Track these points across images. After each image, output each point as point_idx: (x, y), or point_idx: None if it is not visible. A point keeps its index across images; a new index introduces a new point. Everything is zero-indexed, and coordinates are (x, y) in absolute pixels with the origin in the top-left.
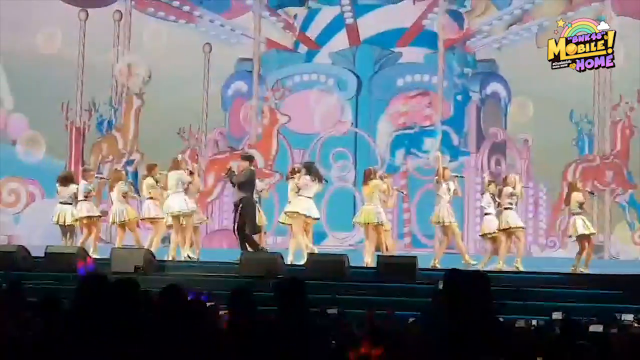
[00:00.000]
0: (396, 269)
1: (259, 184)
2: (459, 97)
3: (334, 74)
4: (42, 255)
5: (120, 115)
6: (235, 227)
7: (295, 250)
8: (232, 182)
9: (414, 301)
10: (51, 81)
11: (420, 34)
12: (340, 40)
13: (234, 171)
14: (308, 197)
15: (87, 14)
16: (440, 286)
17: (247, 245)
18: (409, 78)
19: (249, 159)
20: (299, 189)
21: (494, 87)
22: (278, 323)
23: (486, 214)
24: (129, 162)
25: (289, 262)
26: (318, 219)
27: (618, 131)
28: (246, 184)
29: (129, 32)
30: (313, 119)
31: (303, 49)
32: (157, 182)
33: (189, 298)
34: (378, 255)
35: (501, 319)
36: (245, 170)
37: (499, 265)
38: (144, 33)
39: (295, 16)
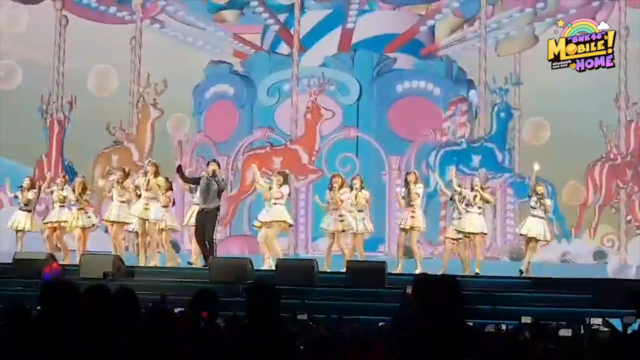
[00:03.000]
0: (365, 274)
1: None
2: (502, 114)
3: (333, 78)
4: (10, 261)
5: (131, 126)
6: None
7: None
8: (220, 190)
9: (383, 306)
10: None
11: (410, 40)
12: (327, 44)
13: (213, 176)
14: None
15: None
16: (408, 290)
17: (206, 250)
18: (407, 84)
19: (217, 163)
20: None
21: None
22: (247, 327)
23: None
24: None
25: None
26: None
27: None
28: (220, 194)
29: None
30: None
31: (287, 50)
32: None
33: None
34: (347, 261)
35: (470, 324)
36: (220, 182)
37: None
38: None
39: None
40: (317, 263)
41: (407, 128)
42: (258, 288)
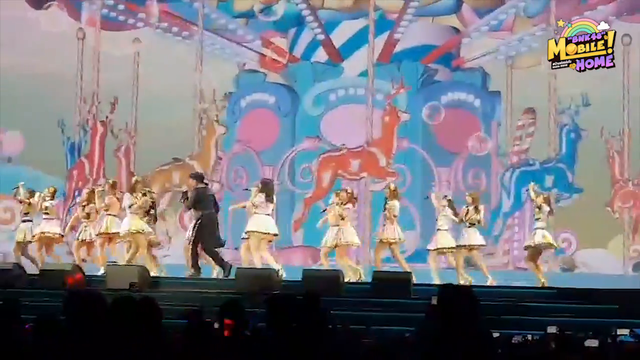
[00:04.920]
0: (391, 285)
1: None
2: (573, 135)
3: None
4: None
5: (193, 142)
6: (193, 243)
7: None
8: (187, 207)
9: (409, 316)
10: (47, 98)
11: (445, 54)
12: (365, 54)
13: (186, 192)
14: (266, 215)
15: (85, 34)
16: (434, 302)
17: (211, 259)
18: (450, 95)
19: (195, 177)
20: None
21: None
22: (270, 338)
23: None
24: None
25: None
26: (276, 235)
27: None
28: (197, 204)
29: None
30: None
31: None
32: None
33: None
34: (374, 271)
35: (496, 334)
36: (192, 191)
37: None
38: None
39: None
40: (342, 273)
41: (452, 139)
42: (277, 299)
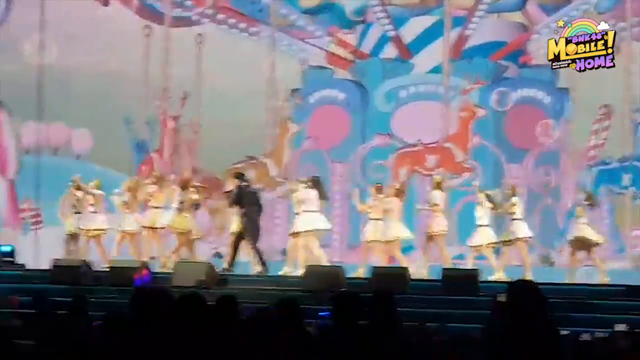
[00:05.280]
0: (459, 282)
1: None
2: None
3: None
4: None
5: (267, 141)
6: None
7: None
8: (229, 205)
9: (477, 313)
10: (114, 96)
11: (514, 50)
12: (435, 51)
13: (230, 191)
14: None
15: (151, 30)
16: (500, 298)
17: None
18: (520, 92)
19: (236, 177)
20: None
21: None
22: (337, 336)
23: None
24: None
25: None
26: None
27: None
28: (240, 201)
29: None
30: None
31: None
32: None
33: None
34: (443, 268)
35: (565, 332)
36: (232, 191)
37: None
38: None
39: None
40: (409, 271)
41: (522, 136)
42: (342, 297)
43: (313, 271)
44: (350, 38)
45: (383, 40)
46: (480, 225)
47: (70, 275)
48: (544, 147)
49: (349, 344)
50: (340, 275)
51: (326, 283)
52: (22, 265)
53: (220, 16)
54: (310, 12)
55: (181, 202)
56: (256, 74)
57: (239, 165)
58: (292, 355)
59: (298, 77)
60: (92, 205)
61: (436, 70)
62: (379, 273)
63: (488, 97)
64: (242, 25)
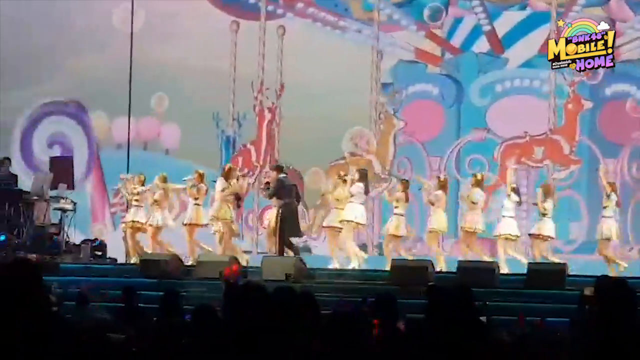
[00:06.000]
0: (546, 276)
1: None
2: None
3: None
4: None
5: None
6: (278, 233)
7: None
8: (268, 197)
9: (563, 307)
10: (203, 92)
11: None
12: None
13: (268, 183)
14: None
15: (239, 26)
16: (587, 292)
17: (287, 249)
18: (614, 87)
19: (276, 169)
20: (352, 195)
21: None
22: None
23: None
24: None
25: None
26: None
27: None
28: (279, 193)
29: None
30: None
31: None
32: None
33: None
34: (529, 263)
35: None
36: (273, 181)
37: None
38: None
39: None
40: (497, 265)
41: (616, 131)
42: (438, 290)
43: (399, 265)
44: (440, 32)
45: (475, 34)
46: (505, 217)
47: (159, 269)
48: (638, 142)
49: (441, 341)
50: (428, 270)
51: (413, 277)
52: (115, 260)
53: (309, 10)
54: (399, 5)
55: (223, 190)
56: (342, 68)
57: (341, 162)
58: (383, 353)
59: (389, 71)
60: (156, 201)
61: (528, 65)
62: (465, 267)
63: (581, 92)
64: (331, 19)
